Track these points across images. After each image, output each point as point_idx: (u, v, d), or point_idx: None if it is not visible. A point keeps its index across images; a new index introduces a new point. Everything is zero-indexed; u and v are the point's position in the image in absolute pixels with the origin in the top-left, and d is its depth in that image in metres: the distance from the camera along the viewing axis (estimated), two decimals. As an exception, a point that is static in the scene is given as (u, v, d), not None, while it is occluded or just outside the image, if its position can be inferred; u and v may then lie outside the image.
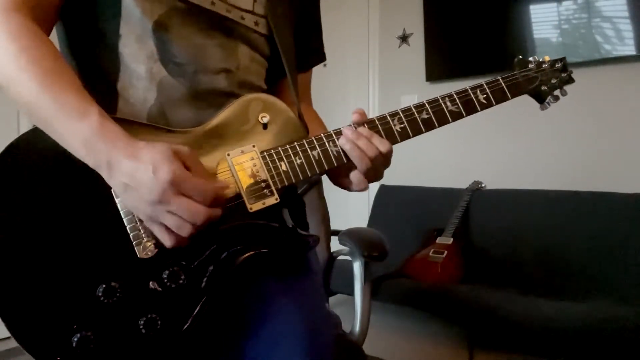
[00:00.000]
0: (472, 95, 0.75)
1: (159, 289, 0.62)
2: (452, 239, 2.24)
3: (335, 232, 1.34)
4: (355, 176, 0.72)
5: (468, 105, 0.75)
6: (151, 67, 0.68)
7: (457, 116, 0.74)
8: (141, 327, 0.60)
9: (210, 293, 0.64)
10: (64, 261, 0.59)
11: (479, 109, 0.76)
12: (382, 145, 0.70)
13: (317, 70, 0.95)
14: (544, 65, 0.82)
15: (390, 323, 2.35)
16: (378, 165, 0.71)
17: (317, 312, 0.76)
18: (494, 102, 0.77)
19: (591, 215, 2.05)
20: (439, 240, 2.28)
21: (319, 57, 0.94)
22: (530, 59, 0.83)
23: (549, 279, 2.02)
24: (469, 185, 2.50)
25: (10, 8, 0.61)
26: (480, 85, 0.76)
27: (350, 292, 1.22)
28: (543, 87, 0.81)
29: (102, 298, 0.59)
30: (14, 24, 0.61)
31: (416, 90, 2.87)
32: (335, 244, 1.34)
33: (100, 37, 0.68)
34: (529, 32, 2.45)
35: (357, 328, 1.15)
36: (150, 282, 0.62)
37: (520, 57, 0.83)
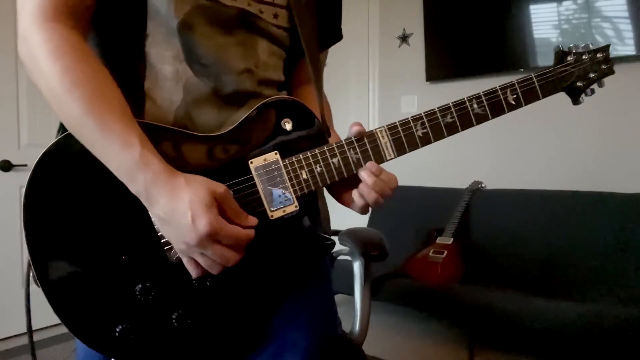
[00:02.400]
0: (501, 95, 0.71)
1: (189, 289, 0.67)
2: (452, 239, 2.24)
3: (335, 232, 1.33)
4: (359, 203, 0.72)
5: (495, 107, 0.71)
6: (177, 68, 0.68)
7: (482, 119, 0.71)
8: (174, 321, 0.66)
9: (235, 294, 0.69)
10: (107, 262, 0.64)
11: (506, 110, 0.71)
12: (392, 183, 0.72)
13: (317, 70, 0.94)
14: (584, 57, 0.74)
15: (390, 323, 2.35)
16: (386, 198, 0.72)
17: (328, 315, 0.81)
18: (523, 103, 0.72)
19: (591, 215, 2.05)
20: (439, 240, 2.28)
21: (337, 36, 0.91)
22: (571, 46, 0.74)
23: (549, 279, 2.02)
24: (469, 185, 2.50)
25: (50, 19, 0.60)
26: (512, 85, 0.71)
27: (350, 292, 1.22)
28: (578, 83, 0.74)
29: (139, 296, 0.65)
30: (57, 39, 0.60)
31: (416, 90, 2.87)
32: (335, 244, 1.34)
33: (126, 37, 0.68)
34: (529, 32, 2.45)
35: (357, 328, 1.15)
36: (181, 283, 0.66)
37: (559, 46, 0.74)
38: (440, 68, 2.79)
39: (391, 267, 2.17)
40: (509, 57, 2.50)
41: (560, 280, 2.00)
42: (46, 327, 2.19)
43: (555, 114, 2.39)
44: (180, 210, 0.57)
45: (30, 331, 0.79)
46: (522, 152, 2.53)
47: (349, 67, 3.15)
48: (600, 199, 2.07)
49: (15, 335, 2.22)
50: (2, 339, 2.19)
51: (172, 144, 0.64)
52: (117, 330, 0.64)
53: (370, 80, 3.10)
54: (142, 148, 0.58)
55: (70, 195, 0.63)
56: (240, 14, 0.71)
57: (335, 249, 1.41)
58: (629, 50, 2.17)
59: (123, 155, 0.58)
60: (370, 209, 0.74)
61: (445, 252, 2.17)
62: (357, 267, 1.19)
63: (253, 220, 0.63)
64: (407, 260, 2.24)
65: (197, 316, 0.67)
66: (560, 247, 2.07)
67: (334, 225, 1.39)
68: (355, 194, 0.71)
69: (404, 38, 2.95)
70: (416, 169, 2.76)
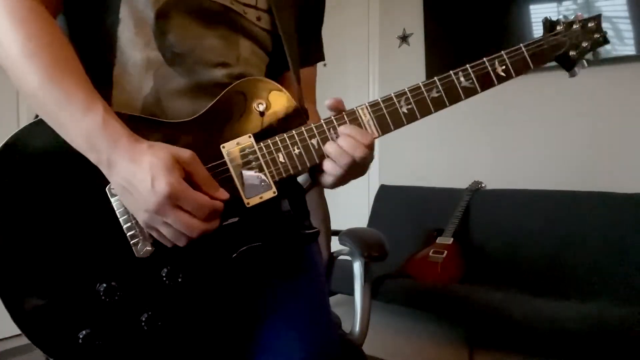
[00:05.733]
0: (489, 67, 0.69)
1: (158, 287, 0.62)
2: (452, 239, 2.24)
3: (335, 232, 1.33)
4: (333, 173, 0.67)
5: (484, 80, 0.68)
6: (148, 55, 0.66)
7: (470, 93, 0.68)
8: (143, 324, 0.61)
9: (209, 291, 0.64)
10: (65, 260, 0.60)
11: (496, 82, 0.69)
12: (364, 138, 0.64)
13: (317, 70, 0.94)
14: (574, 27, 0.72)
15: (390, 323, 2.35)
16: (366, 163, 0.67)
17: (321, 312, 0.77)
18: (513, 74, 0.69)
19: (591, 215, 2.05)
20: (439, 240, 2.28)
21: (319, 56, 0.91)
22: (560, 17, 0.73)
23: (548, 279, 2.02)
24: (469, 185, 2.50)
25: None
26: (500, 56, 0.69)
27: (350, 292, 1.22)
28: (572, 53, 0.72)
29: (103, 297, 0.60)
30: (24, 9, 0.59)
31: (416, 90, 2.87)
32: (335, 244, 1.34)
33: (98, 20, 0.66)
34: (529, 32, 2.45)
35: (357, 328, 1.15)
36: (149, 281, 0.62)
37: (548, 17, 0.73)
38: (440, 68, 2.73)
39: (391, 267, 2.17)
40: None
41: (560, 280, 2.00)
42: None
43: (556, 114, 2.39)
44: (140, 174, 0.55)
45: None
46: (522, 152, 2.53)
47: (349, 67, 3.15)
48: (600, 199, 2.07)
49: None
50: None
51: (140, 131, 0.60)
52: (80, 336, 0.59)
53: (370, 80, 3.10)
54: (104, 111, 0.57)
55: (27, 191, 0.60)
56: (223, 10, 0.70)
57: (335, 249, 1.41)
58: (629, 50, 2.17)
59: (84, 120, 0.56)
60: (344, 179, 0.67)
61: (445, 252, 2.17)
62: (357, 267, 1.19)
63: (223, 194, 0.60)
64: (407, 260, 2.24)
65: (169, 317, 0.62)
66: (560, 247, 2.07)
67: (334, 225, 1.40)
68: (326, 162, 0.65)
69: (404, 38, 2.94)
70: (416, 169, 2.76)
